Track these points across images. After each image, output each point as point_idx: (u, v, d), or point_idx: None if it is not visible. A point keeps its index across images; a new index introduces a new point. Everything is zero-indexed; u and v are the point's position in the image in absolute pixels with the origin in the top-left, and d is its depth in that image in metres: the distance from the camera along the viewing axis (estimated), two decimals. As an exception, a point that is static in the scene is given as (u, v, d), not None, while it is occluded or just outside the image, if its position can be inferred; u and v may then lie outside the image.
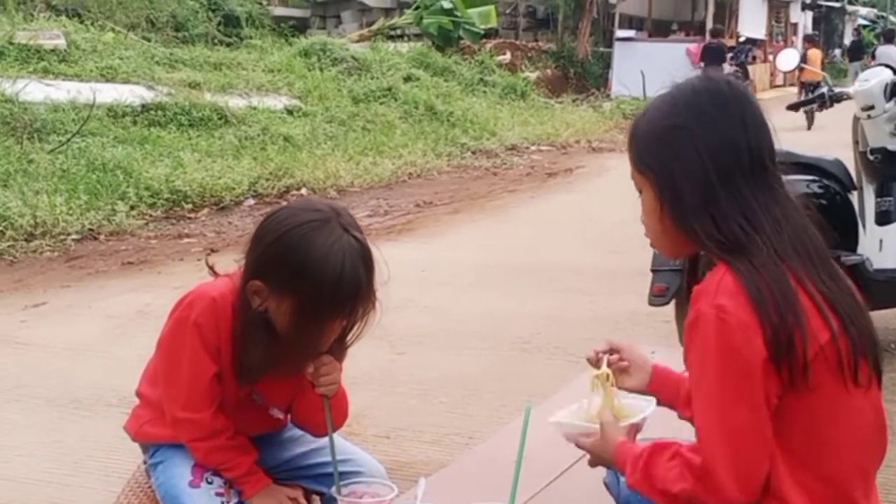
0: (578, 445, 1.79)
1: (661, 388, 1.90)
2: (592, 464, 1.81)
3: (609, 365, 1.89)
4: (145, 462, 2.10)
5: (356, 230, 1.90)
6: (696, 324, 1.55)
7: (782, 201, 1.65)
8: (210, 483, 1.98)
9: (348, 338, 1.98)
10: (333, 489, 1.85)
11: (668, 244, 1.74)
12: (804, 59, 11.27)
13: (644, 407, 1.84)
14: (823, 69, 14.51)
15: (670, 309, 4.30)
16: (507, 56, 19.70)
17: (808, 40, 21.21)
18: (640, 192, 1.74)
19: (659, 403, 1.88)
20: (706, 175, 1.64)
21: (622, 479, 1.96)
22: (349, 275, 1.84)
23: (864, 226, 4.57)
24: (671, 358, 2.02)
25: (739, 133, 1.66)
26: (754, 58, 24.52)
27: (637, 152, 1.71)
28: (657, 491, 1.60)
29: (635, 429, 1.79)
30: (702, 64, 18.32)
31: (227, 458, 1.98)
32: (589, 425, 1.81)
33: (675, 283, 4.17)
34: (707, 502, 1.52)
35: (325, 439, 2.17)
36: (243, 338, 1.94)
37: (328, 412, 1.93)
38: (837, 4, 38.04)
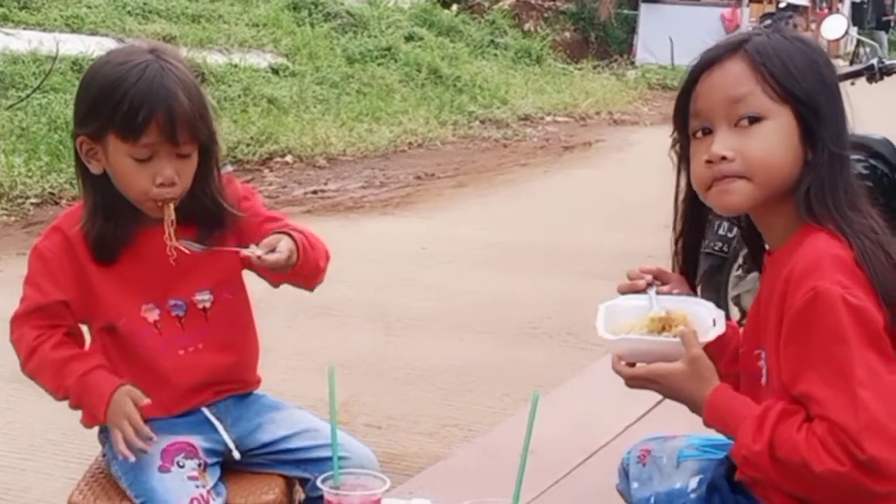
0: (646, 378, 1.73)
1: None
2: (634, 384, 1.74)
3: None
4: (104, 455, 2.14)
5: (174, 59, 2.00)
6: (817, 303, 1.56)
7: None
8: (182, 467, 2.01)
9: (208, 189, 2.19)
10: (319, 480, 1.84)
11: (767, 188, 1.69)
12: None
13: (707, 325, 1.78)
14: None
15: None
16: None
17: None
18: (755, 119, 1.68)
19: None
20: (844, 121, 1.71)
21: (633, 486, 1.95)
22: (149, 82, 1.92)
23: (912, 209, 4.59)
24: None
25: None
26: (795, 26, 24.42)
27: (781, 69, 1.68)
28: (788, 463, 1.55)
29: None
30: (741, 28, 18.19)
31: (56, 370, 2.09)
32: (667, 341, 1.75)
33: (704, 265, 4.18)
34: (864, 485, 1.51)
35: (308, 422, 2.20)
36: (87, 206, 2.06)
37: (332, 392, 1.89)
38: (891, -31, 37.93)
